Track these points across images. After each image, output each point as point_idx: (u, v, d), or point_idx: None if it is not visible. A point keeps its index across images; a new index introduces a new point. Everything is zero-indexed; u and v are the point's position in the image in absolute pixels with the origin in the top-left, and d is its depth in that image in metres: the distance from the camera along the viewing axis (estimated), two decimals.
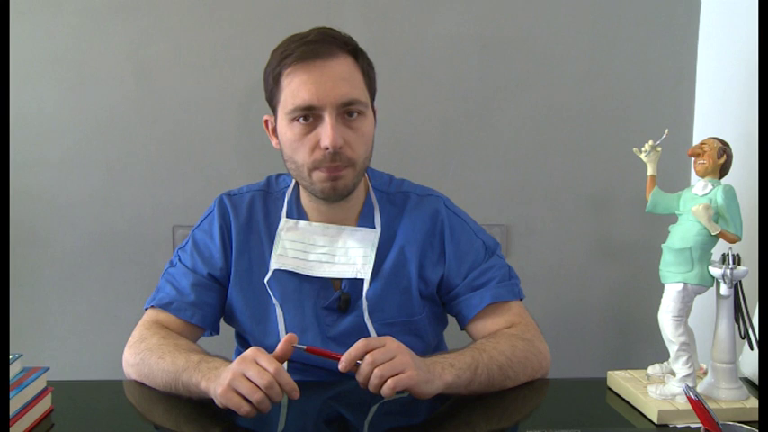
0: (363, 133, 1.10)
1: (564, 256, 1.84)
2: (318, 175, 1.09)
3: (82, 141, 1.74)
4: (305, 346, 0.96)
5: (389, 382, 0.91)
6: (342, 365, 0.93)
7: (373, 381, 0.92)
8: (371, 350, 0.93)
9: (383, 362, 0.92)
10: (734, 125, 1.56)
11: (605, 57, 1.78)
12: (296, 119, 1.08)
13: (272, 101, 1.13)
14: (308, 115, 1.07)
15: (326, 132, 1.05)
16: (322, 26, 1.13)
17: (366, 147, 1.11)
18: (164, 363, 1.04)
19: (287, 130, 1.10)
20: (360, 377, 0.93)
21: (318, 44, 1.07)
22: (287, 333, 1.14)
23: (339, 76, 1.06)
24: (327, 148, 1.05)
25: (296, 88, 1.06)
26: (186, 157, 1.76)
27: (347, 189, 1.11)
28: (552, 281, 1.83)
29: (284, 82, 1.08)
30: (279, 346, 0.95)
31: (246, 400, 0.89)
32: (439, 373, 0.98)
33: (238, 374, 0.91)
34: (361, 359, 0.93)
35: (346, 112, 1.08)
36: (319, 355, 0.96)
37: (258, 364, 0.91)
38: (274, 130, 1.15)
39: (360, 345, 0.94)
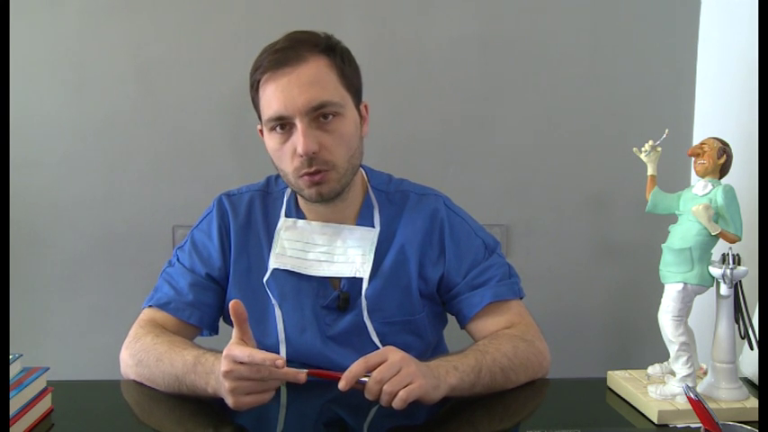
0: (341, 134, 1.09)
1: (564, 256, 1.84)
2: (303, 182, 1.10)
3: (82, 141, 1.74)
4: (306, 371, 0.93)
5: (401, 393, 0.91)
6: (342, 384, 0.92)
7: (384, 397, 0.91)
8: (371, 367, 0.93)
9: (390, 377, 0.92)
10: (734, 125, 1.56)
11: (605, 57, 1.78)
12: (273, 128, 1.09)
13: (257, 111, 1.14)
14: (284, 124, 1.08)
15: (299, 140, 1.06)
16: (295, 30, 1.12)
17: (347, 148, 1.10)
18: (163, 365, 1.04)
19: (269, 140, 1.11)
20: (369, 395, 0.92)
21: (286, 51, 1.08)
22: (286, 333, 1.14)
23: (307, 80, 1.06)
24: (302, 155, 1.06)
25: (268, 99, 1.08)
26: (186, 157, 1.75)
27: (333, 192, 1.11)
28: (552, 281, 1.83)
29: (260, 93, 1.10)
30: (234, 330, 0.94)
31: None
32: (443, 377, 0.98)
33: (234, 381, 0.90)
34: (366, 376, 0.92)
35: (320, 115, 1.07)
36: (321, 377, 0.95)
37: (238, 362, 0.90)
38: None
39: (359, 363, 0.93)
